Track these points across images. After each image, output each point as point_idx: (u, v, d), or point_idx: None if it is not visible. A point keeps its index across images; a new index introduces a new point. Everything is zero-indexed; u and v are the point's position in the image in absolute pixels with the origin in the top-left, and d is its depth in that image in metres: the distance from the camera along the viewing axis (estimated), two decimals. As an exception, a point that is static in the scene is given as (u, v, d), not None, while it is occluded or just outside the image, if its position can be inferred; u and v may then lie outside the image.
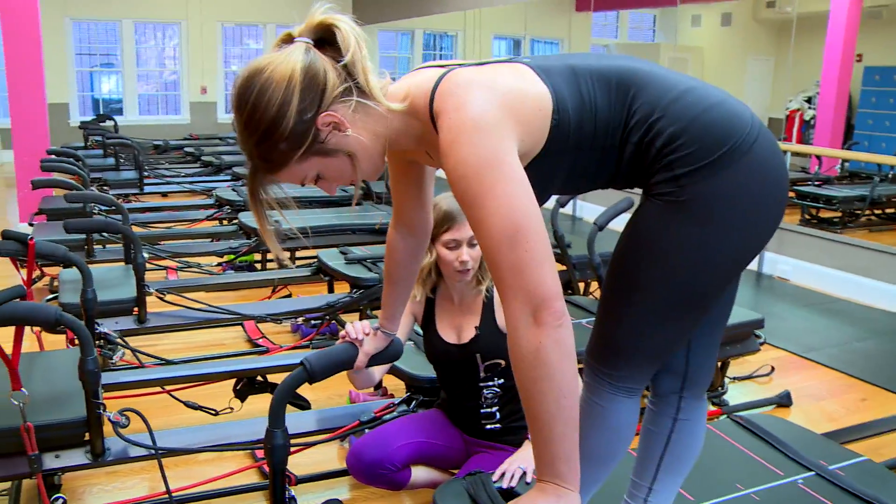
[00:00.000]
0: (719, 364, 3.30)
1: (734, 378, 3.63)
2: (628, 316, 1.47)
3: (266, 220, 1.37)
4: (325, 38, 1.29)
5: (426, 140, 1.37)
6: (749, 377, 3.71)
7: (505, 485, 2.02)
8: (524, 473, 2.05)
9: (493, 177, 1.22)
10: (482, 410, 2.35)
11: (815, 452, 2.34)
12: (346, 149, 1.31)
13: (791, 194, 6.93)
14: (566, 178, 1.43)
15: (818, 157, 8.11)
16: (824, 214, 7.38)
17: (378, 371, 2.20)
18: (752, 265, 5.95)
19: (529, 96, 1.31)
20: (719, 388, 3.36)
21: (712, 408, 3.34)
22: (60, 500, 2.22)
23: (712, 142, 1.33)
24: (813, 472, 2.23)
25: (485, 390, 2.33)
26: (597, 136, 1.37)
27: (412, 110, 1.33)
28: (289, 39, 1.30)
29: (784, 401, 3.43)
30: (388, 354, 1.84)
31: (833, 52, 7.53)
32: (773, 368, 3.80)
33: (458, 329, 2.35)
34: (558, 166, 1.39)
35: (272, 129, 1.24)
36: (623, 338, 1.49)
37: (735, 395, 3.51)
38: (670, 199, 1.36)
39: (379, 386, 3.15)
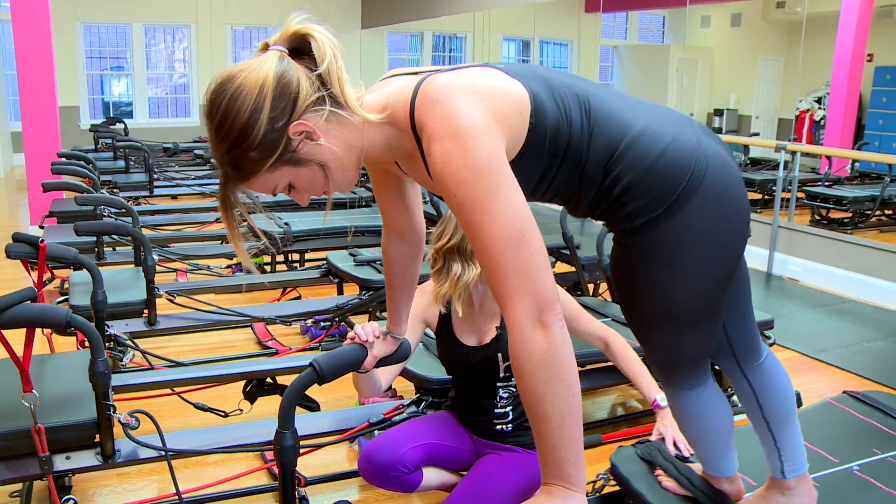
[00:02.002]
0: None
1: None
2: (652, 342, 1.59)
3: (236, 228, 1.35)
4: (300, 48, 1.28)
5: (400, 150, 1.36)
6: (759, 378, 3.69)
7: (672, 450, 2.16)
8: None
9: (494, 181, 1.22)
10: (496, 410, 2.35)
11: None
12: (318, 159, 1.28)
13: (800, 195, 6.92)
14: (535, 187, 1.43)
15: (828, 158, 8.08)
16: (835, 215, 7.35)
17: (385, 379, 2.20)
18: (762, 265, 5.94)
19: (510, 98, 1.30)
20: (729, 389, 3.34)
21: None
22: (71, 502, 2.22)
23: (666, 189, 1.38)
24: None
25: (501, 390, 2.34)
26: (570, 148, 1.37)
27: (391, 120, 1.32)
28: (266, 48, 1.29)
29: (795, 401, 3.40)
30: (396, 357, 1.84)
31: (843, 51, 7.50)
32: (783, 369, 3.78)
33: (478, 332, 2.35)
34: (532, 172, 1.38)
35: (242, 137, 1.22)
36: (660, 358, 1.63)
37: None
38: (637, 246, 1.44)
39: (389, 388, 3.15)
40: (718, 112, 11.02)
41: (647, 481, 2.04)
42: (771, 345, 3.47)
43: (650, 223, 1.39)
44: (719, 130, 10.70)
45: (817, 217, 7.37)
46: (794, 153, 6.21)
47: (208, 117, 1.26)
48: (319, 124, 1.26)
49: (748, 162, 9.14)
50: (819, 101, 9.34)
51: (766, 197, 7.88)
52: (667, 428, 2.24)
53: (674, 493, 1.99)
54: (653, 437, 2.26)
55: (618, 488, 2.14)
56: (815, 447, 2.26)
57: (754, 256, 6.04)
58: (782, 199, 6.09)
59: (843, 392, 2.76)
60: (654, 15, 12.62)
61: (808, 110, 9.59)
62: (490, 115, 1.25)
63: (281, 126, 1.23)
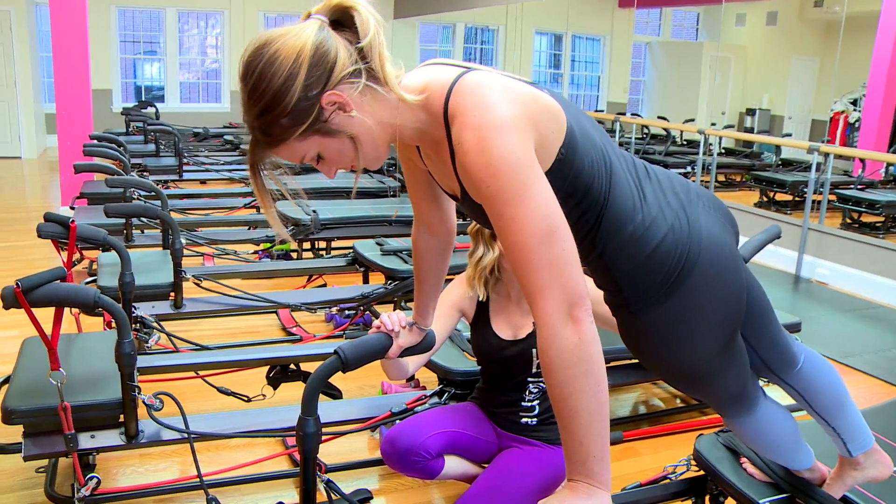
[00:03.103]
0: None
1: (768, 381, 3.56)
2: (692, 392, 1.71)
3: (267, 194, 1.33)
4: (341, 21, 1.27)
5: (429, 136, 1.34)
6: (785, 381, 3.65)
7: None
8: None
9: (528, 175, 1.20)
10: (523, 403, 2.35)
11: None
12: (349, 131, 1.27)
13: (832, 197, 6.83)
14: None
15: (862, 161, 7.97)
16: (866, 219, 7.26)
17: (413, 364, 2.20)
18: (791, 267, 5.87)
19: (550, 113, 1.28)
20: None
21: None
22: (94, 480, 2.24)
23: (658, 279, 1.41)
24: None
25: (531, 385, 2.33)
26: (586, 197, 1.35)
27: (425, 103, 1.30)
28: (308, 18, 1.27)
29: (820, 407, 3.36)
30: (420, 347, 1.84)
31: (882, 52, 7.39)
32: (809, 373, 3.73)
33: (514, 326, 2.34)
34: None
35: (275, 103, 1.21)
36: (707, 400, 1.75)
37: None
38: (637, 324, 1.48)
39: (412, 378, 3.15)
40: (750, 111, 10.91)
41: (733, 467, 2.11)
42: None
43: (646, 307, 1.44)
44: (750, 130, 10.61)
45: (848, 220, 7.28)
46: (826, 155, 6.13)
47: (242, 80, 1.24)
48: (353, 96, 1.25)
49: (779, 163, 9.04)
50: (854, 102, 9.22)
51: (796, 199, 7.79)
52: None
53: (759, 480, 2.06)
54: None
55: (700, 473, 2.20)
56: (890, 441, 2.29)
57: (783, 258, 5.97)
58: (813, 202, 6.01)
59: None
60: (689, 12, 12.50)
61: (842, 112, 9.47)
62: (526, 115, 1.23)
63: (315, 95, 1.22)
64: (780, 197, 8.17)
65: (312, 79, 1.21)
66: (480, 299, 2.38)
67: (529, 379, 2.32)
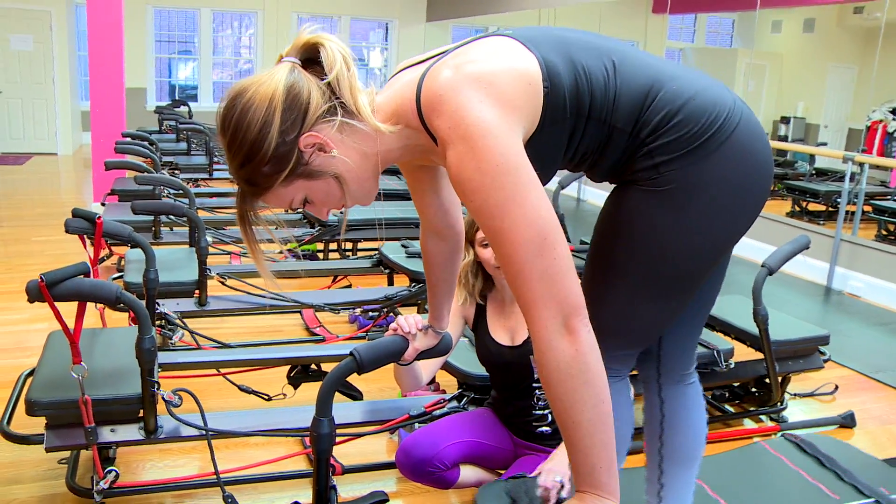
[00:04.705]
0: (780, 379, 3.20)
1: (795, 394, 3.52)
2: (610, 298, 1.45)
3: (256, 242, 1.34)
4: (312, 58, 1.25)
5: (420, 147, 1.31)
6: (811, 394, 3.59)
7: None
8: (561, 486, 2.00)
9: (511, 183, 1.16)
10: (535, 412, 2.33)
11: (876, 478, 2.23)
12: (331, 171, 1.25)
13: (867, 208, 6.71)
14: (564, 153, 1.37)
15: (899, 171, 7.83)
16: (902, 231, 7.13)
17: (427, 372, 2.19)
18: (822, 279, 5.78)
19: (517, 74, 1.23)
20: (779, 404, 3.26)
21: (769, 423, 3.25)
22: (113, 473, 2.26)
23: (694, 131, 1.32)
24: (872, 500, 2.13)
25: (538, 391, 2.31)
26: (594, 105, 1.31)
27: (403, 121, 1.28)
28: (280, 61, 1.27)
29: (847, 421, 3.31)
30: (437, 350, 1.83)
31: (921, 62, 7.24)
32: (837, 387, 3.67)
33: (511, 331, 2.33)
34: (558, 138, 1.32)
35: (254, 151, 1.20)
36: (605, 319, 1.43)
37: (795, 412, 3.40)
38: (648, 186, 1.36)
39: (432, 381, 3.14)
40: (785, 120, 10.77)
41: None
42: (826, 360, 3.38)
43: (671, 162, 1.33)
44: (784, 138, 10.47)
45: (884, 232, 7.15)
46: (862, 165, 6.03)
47: (220, 133, 1.24)
48: (331, 135, 1.23)
49: (813, 172, 8.91)
50: (894, 111, 9.06)
51: (830, 209, 7.67)
52: (550, 472, 1.96)
53: None
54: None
55: None
56: (716, 495, 2.07)
57: (814, 269, 5.88)
58: (847, 212, 5.91)
59: (782, 434, 2.51)
60: (724, 18, 12.38)
61: (880, 121, 9.30)
62: (498, 104, 1.19)
63: (292, 139, 1.20)
64: (812, 207, 8.05)
65: (287, 123, 1.20)
66: (466, 303, 2.37)
67: (534, 384, 2.30)
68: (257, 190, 1.26)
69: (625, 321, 1.47)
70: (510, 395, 2.36)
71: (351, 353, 1.70)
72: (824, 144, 9.70)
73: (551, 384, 1.20)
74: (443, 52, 1.31)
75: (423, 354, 1.81)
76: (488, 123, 1.17)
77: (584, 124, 1.32)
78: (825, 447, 2.38)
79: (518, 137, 1.21)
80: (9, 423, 2.48)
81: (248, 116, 1.19)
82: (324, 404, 1.70)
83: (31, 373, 2.46)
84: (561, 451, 2.09)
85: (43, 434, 2.27)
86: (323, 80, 1.23)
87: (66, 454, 2.57)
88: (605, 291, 1.45)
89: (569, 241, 4.05)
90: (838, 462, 2.28)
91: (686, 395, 1.64)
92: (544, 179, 1.29)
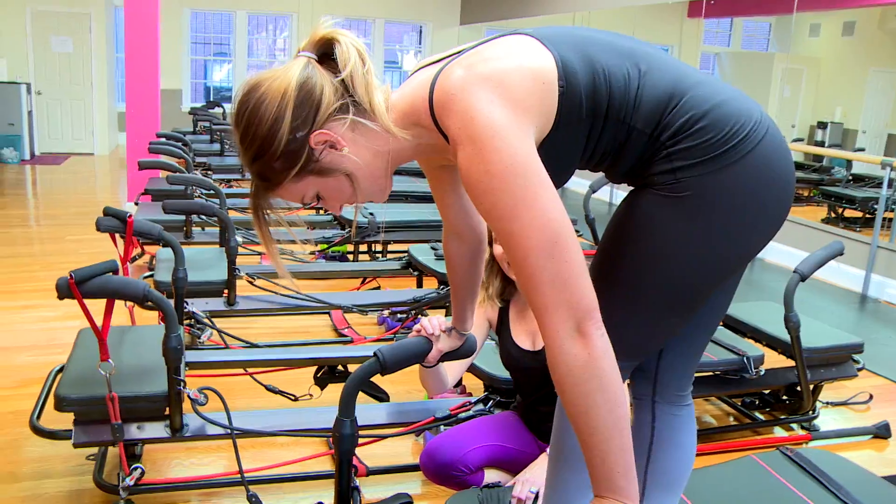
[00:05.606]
0: (812, 387, 3.14)
1: (827, 403, 3.46)
2: (611, 306, 1.35)
3: (270, 237, 1.33)
4: (328, 53, 1.24)
5: (434, 146, 1.30)
6: (844, 403, 3.52)
7: None
8: (536, 497, 1.99)
9: (520, 185, 1.14)
10: (559, 417, 2.30)
11: (873, 496, 2.11)
12: (342, 168, 1.24)
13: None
14: (582, 153, 1.33)
15: (939, 178, 7.66)
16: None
17: (452, 375, 2.18)
18: (857, 286, 5.67)
19: (530, 72, 1.20)
20: (810, 412, 3.20)
21: (801, 432, 3.19)
22: (139, 470, 2.28)
23: (717, 138, 1.26)
24: None
25: None
26: (612, 105, 1.27)
27: (416, 121, 1.26)
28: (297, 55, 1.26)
29: (881, 432, 3.24)
30: (461, 352, 1.82)
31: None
32: (871, 396, 3.59)
33: (532, 335, 2.31)
34: (574, 138, 1.29)
35: (265, 147, 1.20)
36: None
37: (827, 420, 3.34)
38: (664, 192, 1.31)
39: (458, 384, 3.13)
40: (822, 125, 10.61)
41: None
42: (860, 369, 3.31)
43: (689, 169, 1.27)
44: (821, 144, 10.32)
45: (922, 240, 7.01)
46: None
47: (234, 126, 1.24)
48: (343, 133, 1.22)
49: (850, 178, 8.76)
50: (934, 117, 8.87)
51: (866, 216, 7.54)
52: (525, 483, 2.06)
53: None
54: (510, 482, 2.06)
55: None
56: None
57: (849, 276, 5.78)
58: (884, 219, 5.80)
59: (777, 448, 2.40)
60: (760, 22, 12.24)
61: (921, 127, 9.12)
62: (509, 104, 1.17)
63: (303, 135, 1.20)
64: (848, 213, 7.91)
65: (299, 120, 1.19)
66: (485, 304, 2.35)
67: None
68: (269, 185, 1.27)
69: (622, 330, 1.38)
70: (534, 399, 2.34)
71: (374, 354, 1.69)
72: (862, 150, 9.53)
73: (565, 390, 1.18)
74: (459, 52, 1.29)
75: (447, 356, 1.80)
76: (498, 124, 1.15)
77: (601, 124, 1.29)
78: (820, 462, 2.27)
79: (529, 138, 1.18)
80: (39, 418, 2.51)
81: (261, 111, 1.19)
82: (347, 405, 1.70)
83: (62, 369, 2.49)
84: (540, 462, 2.08)
85: (71, 430, 2.30)
86: (338, 76, 1.22)
87: (94, 450, 2.59)
88: (605, 300, 1.38)
89: (597, 243, 4.04)
90: (833, 478, 2.17)
91: (679, 418, 1.60)
92: (562, 179, 1.26)
